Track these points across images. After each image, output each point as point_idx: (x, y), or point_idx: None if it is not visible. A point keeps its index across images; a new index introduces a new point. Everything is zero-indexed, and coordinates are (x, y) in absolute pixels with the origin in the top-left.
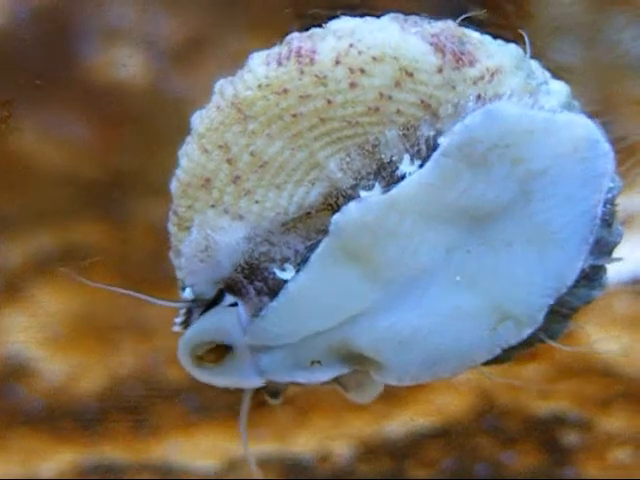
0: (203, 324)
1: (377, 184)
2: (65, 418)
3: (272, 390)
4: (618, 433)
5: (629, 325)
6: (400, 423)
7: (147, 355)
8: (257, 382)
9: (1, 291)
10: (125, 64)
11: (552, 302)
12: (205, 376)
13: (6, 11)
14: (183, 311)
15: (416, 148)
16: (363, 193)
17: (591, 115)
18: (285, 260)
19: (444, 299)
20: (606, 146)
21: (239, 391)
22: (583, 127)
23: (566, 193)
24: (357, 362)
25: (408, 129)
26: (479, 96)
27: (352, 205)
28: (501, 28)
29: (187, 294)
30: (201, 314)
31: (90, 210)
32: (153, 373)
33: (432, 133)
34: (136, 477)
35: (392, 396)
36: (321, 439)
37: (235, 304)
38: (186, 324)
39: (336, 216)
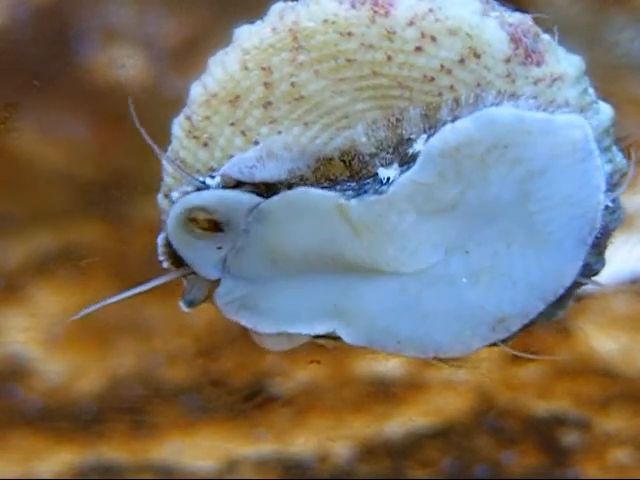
0: (220, 193)
1: (395, 163)
2: (64, 418)
3: (190, 299)
4: (617, 433)
5: (628, 325)
6: (399, 423)
7: (146, 355)
8: (214, 275)
9: (1, 291)
10: (124, 64)
11: (551, 301)
12: (180, 241)
13: (5, 11)
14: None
15: (433, 130)
16: (381, 170)
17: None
18: None
19: (442, 300)
20: (598, 160)
21: (239, 391)
22: (581, 128)
23: (565, 194)
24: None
25: (430, 110)
26: (499, 92)
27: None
28: None
29: (216, 182)
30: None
31: (89, 210)
32: (152, 373)
33: (449, 119)
34: (135, 477)
35: (392, 396)
36: (321, 439)
37: (253, 192)
38: None
39: None
